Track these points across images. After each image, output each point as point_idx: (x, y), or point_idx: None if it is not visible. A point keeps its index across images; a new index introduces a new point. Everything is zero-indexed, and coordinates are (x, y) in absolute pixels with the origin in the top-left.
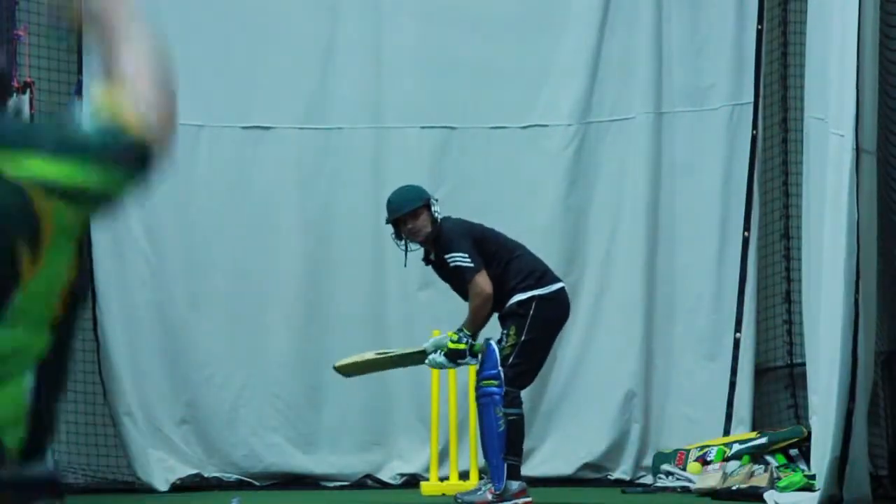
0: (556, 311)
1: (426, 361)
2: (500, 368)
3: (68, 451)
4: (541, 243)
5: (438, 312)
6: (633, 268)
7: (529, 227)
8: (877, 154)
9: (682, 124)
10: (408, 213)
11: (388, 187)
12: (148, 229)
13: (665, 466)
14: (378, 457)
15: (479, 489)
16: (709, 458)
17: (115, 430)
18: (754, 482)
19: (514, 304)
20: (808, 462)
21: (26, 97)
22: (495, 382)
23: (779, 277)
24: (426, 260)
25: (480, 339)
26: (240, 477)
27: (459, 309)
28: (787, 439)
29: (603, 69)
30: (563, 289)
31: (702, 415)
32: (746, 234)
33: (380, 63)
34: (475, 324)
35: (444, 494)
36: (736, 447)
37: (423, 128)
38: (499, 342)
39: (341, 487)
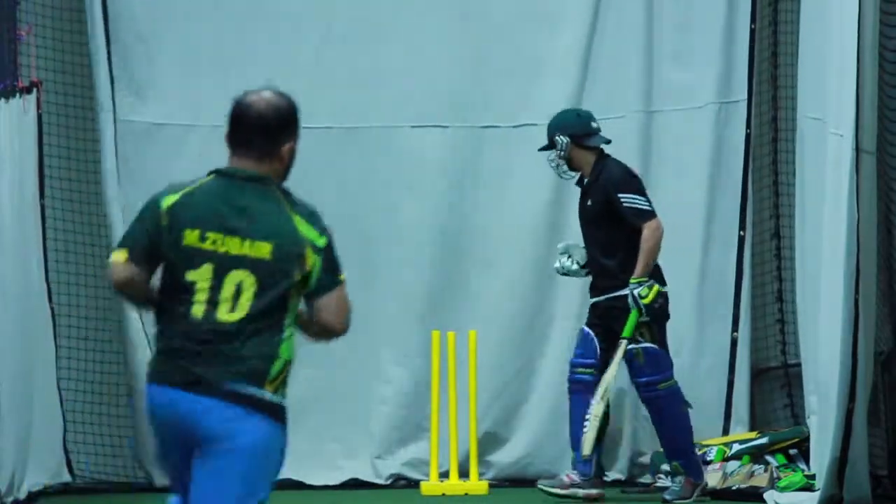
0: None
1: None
2: (672, 367)
3: (77, 451)
4: (532, 242)
5: (428, 309)
6: None
7: (520, 225)
8: (876, 154)
9: (672, 123)
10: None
11: (378, 187)
12: None
13: (665, 466)
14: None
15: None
16: (709, 458)
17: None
18: (754, 482)
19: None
20: (808, 462)
21: (33, 97)
22: (673, 381)
23: (770, 277)
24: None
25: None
26: None
27: (448, 304)
28: (787, 439)
29: (593, 68)
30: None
31: (699, 414)
32: (742, 233)
33: (371, 62)
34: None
35: (444, 494)
36: (736, 447)
37: (413, 127)
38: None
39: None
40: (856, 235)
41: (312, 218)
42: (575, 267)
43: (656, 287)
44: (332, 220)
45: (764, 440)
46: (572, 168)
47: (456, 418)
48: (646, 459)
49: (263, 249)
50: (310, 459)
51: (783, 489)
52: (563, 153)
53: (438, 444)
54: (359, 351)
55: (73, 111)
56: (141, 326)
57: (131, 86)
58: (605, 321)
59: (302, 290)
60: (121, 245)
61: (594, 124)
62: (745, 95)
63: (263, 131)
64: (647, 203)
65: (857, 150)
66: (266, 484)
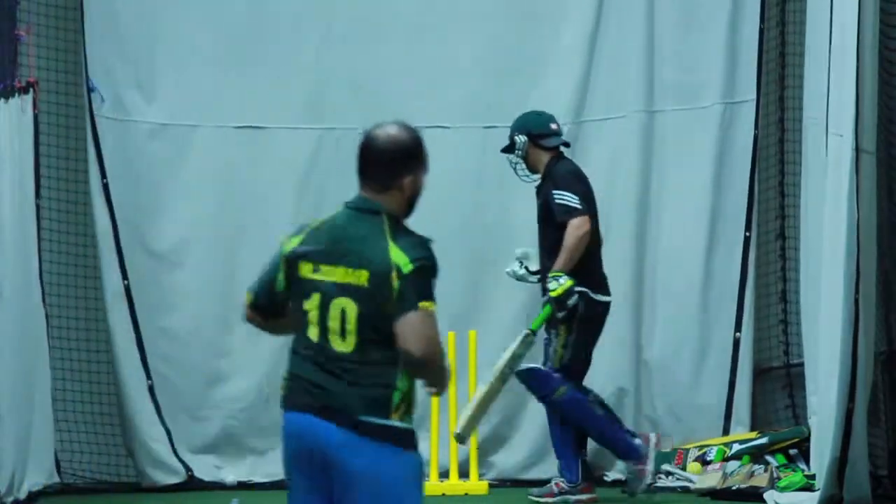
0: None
1: (526, 333)
2: (559, 374)
3: (71, 451)
4: (532, 242)
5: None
6: (624, 265)
7: (521, 225)
8: (876, 154)
9: (674, 123)
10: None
11: None
12: (142, 229)
13: (665, 466)
14: None
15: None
16: (709, 458)
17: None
18: (754, 482)
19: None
20: (808, 462)
21: (29, 97)
22: (563, 389)
23: (774, 277)
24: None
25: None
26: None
27: (452, 304)
28: (788, 439)
29: (596, 68)
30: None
31: (699, 415)
32: (748, 234)
33: (373, 63)
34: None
35: (444, 495)
36: (736, 447)
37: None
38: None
39: None
40: (856, 235)
41: (410, 247)
42: (522, 272)
43: (569, 283)
44: None
45: (764, 440)
46: (530, 169)
47: (456, 418)
48: None
49: (362, 277)
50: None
51: (783, 489)
52: (520, 152)
53: (438, 444)
54: None
55: (68, 110)
56: (131, 328)
57: (134, 86)
58: (551, 323)
59: None
60: (250, 289)
61: (553, 125)
62: (751, 96)
63: (382, 164)
64: (578, 202)
65: (857, 150)
66: None
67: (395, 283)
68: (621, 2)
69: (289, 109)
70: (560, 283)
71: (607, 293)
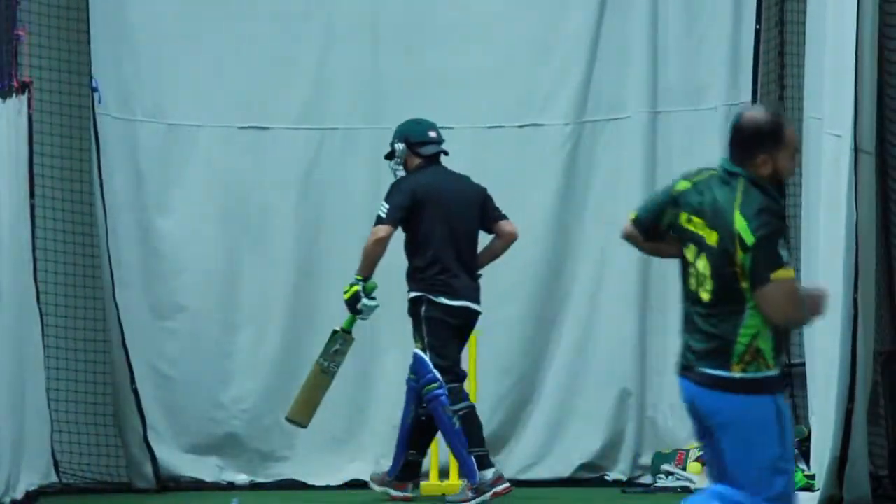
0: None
1: (336, 330)
2: (435, 371)
3: (70, 451)
4: (536, 242)
5: None
6: (628, 266)
7: (525, 226)
8: (876, 154)
9: (678, 124)
10: None
11: (383, 187)
12: (143, 229)
13: (665, 466)
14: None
15: (462, 487)
16: None
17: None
18: None
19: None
20: (808, 462)
21: (25, 97)
22: (435, 385)
23: None
24: None
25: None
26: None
27: None
28: None
29: (599, 68)
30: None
31: None
32: None
33: (376, 63)
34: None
35: (444, 495)
36: None
37: None
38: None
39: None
40: (854, 235)
41: (753, 216)
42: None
43: (355, 288)
44: (337, 220)
45: None
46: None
47: None
48: (646, 460)
49: (713, 237)
50: (312, 460)
51: None
52: (399, 159)
53: (438, 444)
54: (363, 352)
55: (71, 110)
56: (119, 329)
57: (139, 86)
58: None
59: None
60: (636, 209)
61: (432, 133)
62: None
63: (737, 141)
64: (386, 211)
65: (856, 150)
66: (765, 447)
67: (740, 253)
68: (624, 2)
69: (292, 109)
70: (350, 287)
71: (455, 297)
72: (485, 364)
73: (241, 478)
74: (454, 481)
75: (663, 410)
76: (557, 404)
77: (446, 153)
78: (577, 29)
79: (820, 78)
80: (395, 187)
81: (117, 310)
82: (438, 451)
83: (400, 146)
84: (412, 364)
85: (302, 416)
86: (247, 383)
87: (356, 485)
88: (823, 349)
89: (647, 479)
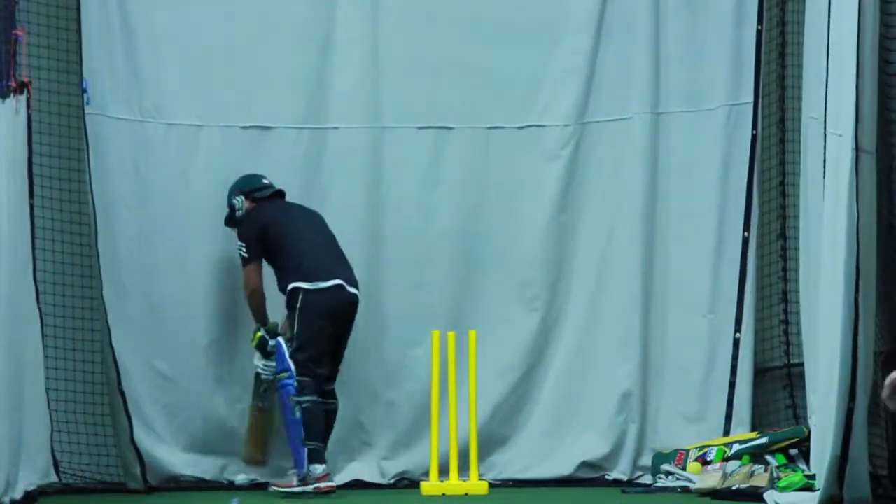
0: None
1: (259, 372)
2: (289, 361)
3: (69, 451)
4: (537, 243)
5: (434, 310)
6: (629, 267)
7: (526, 227)
8: (877, 154)
9: (679, 125)
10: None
11: (384, 187)
12: (143, 229)
13: (665, 466)
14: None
15: (288, 474)
16: (709, 458)
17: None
18: (754, 482)
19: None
20: (808, 462)
21: (23, 97)
22: (285, 375)
23: (776, 277)
24: None
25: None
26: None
27: (455, 305)
28: (787, 439)
29: (600, 69)
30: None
31: (701, 415)
32: (746, 234)
33: (378, 63)
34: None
35: (444, 495)
36: (736, 447)
37: (420, 128)
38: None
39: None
40: (855, 235)
41: None
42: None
43: (258, 334)
44: (338, 220)
45: (764, 440)
46: None
47: (457, 418)
48: (646, 460)
49: None
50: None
51: (783, 489)
52: (240, 211)
53: (438, 444)
54: (365, 352)
55: (70, 110)
56: (107, 328)
57: (139, 86)
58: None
59: None
60: None
61: (265, 180)
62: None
63: None
64: (246, 250)
65: (857, 149)
66: None
67: None
68: (626, 3)
69: (294, 109)
70: (254, 334)
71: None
72: (485, 364)
73: (241, 477)
74: (454, 481)
75: (664, 411)
76: (558, 404)
77: (282, 193)
78: (578, 29)
79: (819, 78)
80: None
81: (105, 309)
82: (438, 451)
83: (239, 199)
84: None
85: (257, 455)
86: (246, 382)
87: (356, 485)
88: (824, 349)
89: (647, 479)
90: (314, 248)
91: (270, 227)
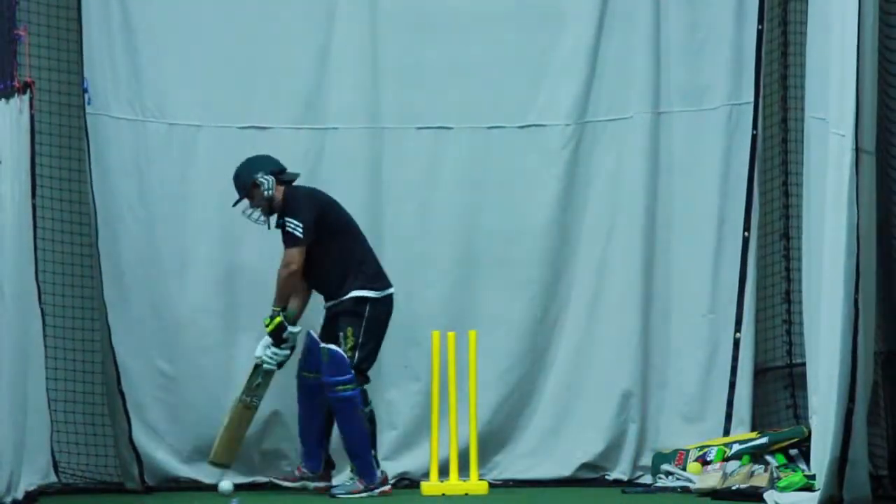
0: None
1: (263, 364)
2: (352, 372)
3: (68, 451)
4: (537, 243)
5: (434, 310)
6: (630, 267)
7: (526, 226)
8: (876, 154)
9: (680, 124)
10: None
11: (384, 187)
12: (143, 229)
13: (665, 466)
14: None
15: (349, 480)
16: (709, 458)
17: (116, 431)
18: (754, 482)
19: (349, 300)
20: (808, 462)
21: (27, 97)
22: (351, 386)
23: (778, 277)
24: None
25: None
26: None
27: (454, 305)
28: (787, 439)
29: (601, 68)
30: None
31: (701, 415)
32: (746, 234)
33: (377, 63)
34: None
35: (444, 495)
36: (736, 447)
37: (419, 128)
38: (336, 343)
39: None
40: (856, 235)
41: None
42: (271, 349)
43: (278, 319)
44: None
45: (764, 440)
46: (273, 206)
47: (457, 419)
48: (646, 460)
49: None
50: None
51: (783, 489)
52: (270, 191)
53: (438, 444)
54: None
55: (70, 110)
56: (107, 329)
57: (138, 87)
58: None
59: None
60: None
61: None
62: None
63: None
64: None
65: (857, 149)
66: None
67: None
68: (627, 2)
69: (292, 109)
70: (272, 320)
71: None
72: (486, 364)
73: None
74: (454, 481)
75: (664, 411)
76: (558, 405)
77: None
78: (578, 28)
79: (821, 78)
80: (304, 200)
81: (105, 309)
82: (438, 451)
83: (268, 178)
84: (329, 362)
85: (227, 457)
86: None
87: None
88: (824, 349)
89: (647, 479)
90: (367, 247)
91: (330, 213)
